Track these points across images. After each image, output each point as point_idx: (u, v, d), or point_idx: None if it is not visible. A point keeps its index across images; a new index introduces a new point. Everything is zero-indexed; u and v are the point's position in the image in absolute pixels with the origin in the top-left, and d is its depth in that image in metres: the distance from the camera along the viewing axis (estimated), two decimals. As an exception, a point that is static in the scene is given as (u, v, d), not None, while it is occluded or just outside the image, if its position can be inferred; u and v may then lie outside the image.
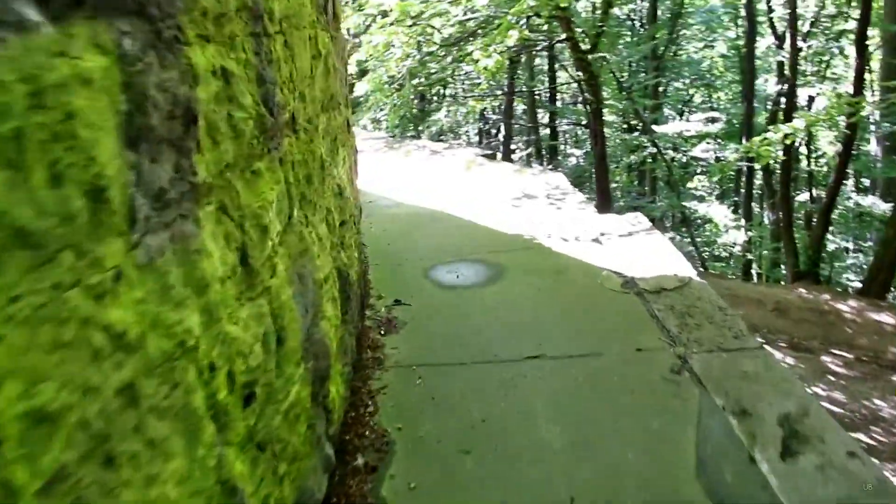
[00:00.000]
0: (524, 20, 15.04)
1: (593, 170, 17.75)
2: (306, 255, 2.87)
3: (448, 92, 21.00)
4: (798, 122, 9.87)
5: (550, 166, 19.76)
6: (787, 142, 10.77)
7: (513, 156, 20.30)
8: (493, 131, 22.95)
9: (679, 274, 5.39)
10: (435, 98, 21.96)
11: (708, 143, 19.61)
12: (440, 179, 9.17)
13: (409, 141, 12.99)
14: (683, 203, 19.29)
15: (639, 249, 6.08)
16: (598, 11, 15.76)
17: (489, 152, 11.36)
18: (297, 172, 2.85)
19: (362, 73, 15.35)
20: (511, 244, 6.34)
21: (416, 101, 19.69)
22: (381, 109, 16.52)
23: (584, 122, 18.45)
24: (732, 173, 20.88)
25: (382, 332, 4.66)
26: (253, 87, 2.21)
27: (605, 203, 13.20)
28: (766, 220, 20.14)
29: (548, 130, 22.10)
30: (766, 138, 10.67)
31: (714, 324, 4.51)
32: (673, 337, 4.36)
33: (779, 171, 16.21)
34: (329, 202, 3.53)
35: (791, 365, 8.25)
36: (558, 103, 21.37)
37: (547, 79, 21.00)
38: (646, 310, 4.80)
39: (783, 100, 16.50)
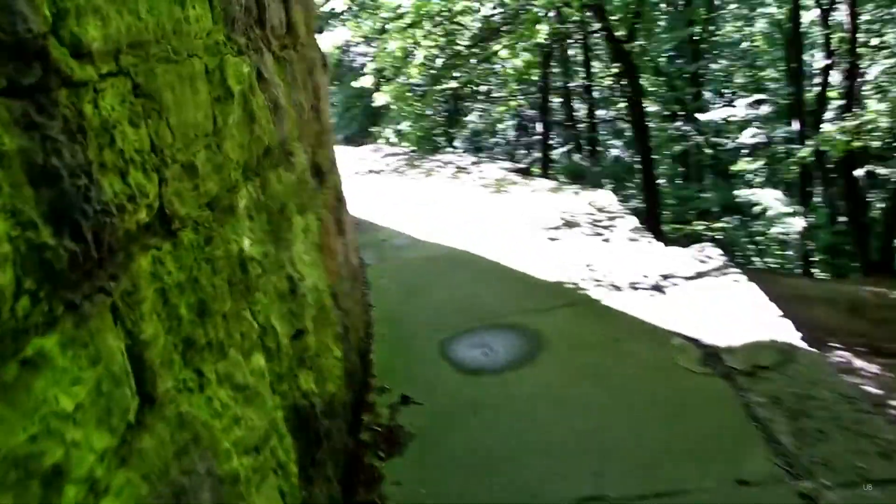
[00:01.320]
0: (554, 12, 13.79)
1: (636, 164, 16.40)
2: (194, 448, 1.65)
3: (481, 89, 19.77)
4: (881, 106, 8.44)
5: (591, 162, 18.40)
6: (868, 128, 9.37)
7: (551, 153, 18.98)
8: (531, 127, 21.66)
9: (777, 339, 4.06)
10: (466, 100, 20.71)
11: (756, 127, 18.02)
12: (465, 205, 7.90)
13: (433, 156, 11.74)
14: (735, 192, 17.73)
15: (714, 299, 4.76)
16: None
17: (522, 167, 10.04)
18: (170, 308, 1.63)
19: (380, 81, 14.21)
20: (550, 298, 5.06)
21: (441, 108, 18.50)
22: (404, 120, 15.41)
23: (624, 116, 17.10)
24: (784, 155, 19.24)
25: (382, 455, 3.42)
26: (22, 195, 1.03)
27: (654, 216, 11.84)
28: (822, 204, 18.44)
29: (586, 124, 20.68)
30: (843, 127, 9.26)
31: (846, 430, 3.17)
32: (789, 456, 3.04)
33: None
34: (268, 313, 2.31)
35: (876, 374, 6.82)
36: (595, 94, 19.94)
37: (583, 71, 19.61)
38: (740, 404, 3.48)
39: (835, 75, 14.99)
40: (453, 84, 15.15)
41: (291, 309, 2.54)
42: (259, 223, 2.34)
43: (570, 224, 6.83)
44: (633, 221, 6.86)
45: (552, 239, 6.44)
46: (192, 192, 1.85)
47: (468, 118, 20.74)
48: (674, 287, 5.05)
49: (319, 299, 2.96)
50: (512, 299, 5.07)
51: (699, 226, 15.25)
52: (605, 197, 7.85)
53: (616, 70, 14.99)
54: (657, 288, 5.05)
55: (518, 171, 9.62)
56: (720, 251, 5.76)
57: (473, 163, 10.49)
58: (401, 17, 13.37)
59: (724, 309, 4.56)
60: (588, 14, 13.87)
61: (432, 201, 8.20)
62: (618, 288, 5.11)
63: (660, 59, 18.94)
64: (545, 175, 15.67)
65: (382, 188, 9.28)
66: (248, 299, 2.15)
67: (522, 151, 21.30)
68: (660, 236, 10.84)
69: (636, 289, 5.08)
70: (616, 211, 7.36)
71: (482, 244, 6.38)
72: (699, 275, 5.24)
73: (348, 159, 11.97)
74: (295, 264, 2.67)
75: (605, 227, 6.66)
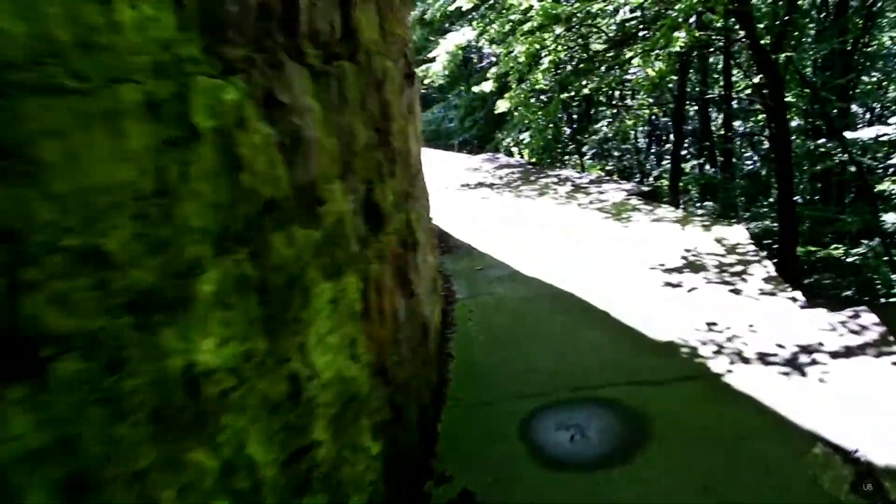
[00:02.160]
0: (693, 18, 12.67)
1: (772, 179, 14.91)
2: None
3: (611, 94, 18.70)
4: None
5: (723, 175, 17.00)
6: None
7: (683, 164, 17.70)
8: (663, 137, 20.44)
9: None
10: (595, 108, 19.70)
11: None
12: (577, 233, 7.08)
13: (551, 170, 10.91)
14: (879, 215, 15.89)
15: (871, 389, 3.78)
16: (782, 1, 13.08)
17: (646, 188, 9.05)
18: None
19: (504, 86, 13.51)
20: (663, 366, 4.21)
21: (567, 116, 17.58)
22: (526, 129, 14.60)
23: (762, 130, 15.69)
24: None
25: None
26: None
27: (790, 240, 10.51)
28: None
29: (721, 136, 19.22)
30: None
31: None
32: None
33: None
34: (242, 440, 1.65)
35: None
36: (733, 104, 18.45)
37: (722, 80, 18.19)
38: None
39: None
40: (583, 91, 14.31)
41: (289, 421, 1.87)
42: (242, 312, 1.67)
43: (694, 267, 5.89)
44: (768, 268, 5.85)
45: (672, 284, 5.54)
46: (92, 292, 1.19)
47: (596, 126, 19.74)
48: (816, 366, 4.09)
49: (347, 391, 2.28)
50: (616, 363, 4.25)
51: (836, 250, 13.73)
52: (737, 233, 6.83)
53: (758, 81, 13.69)
54: (795, 365, 4.11)
55: (641, 193, 8.66)
56: (877, 319, 4.70)
57: (592, 181, 9.62)
58: (529, 19, 12.64)
59: (887, 406, 3.57)
60: (732, 21, 12.70)
61: (541, 225, 7.42)
62: (745, 360, 4.20)
63: (806, 71, 17.29)
64: (674, 191, 14.52)
65: (489, 205, 8.58)
66: (201, 433, 1.48)
67: (652, 161, 20.12)
68: (797, 271, 9.60)
69: (768, 363, 4.15)
70: (749, 251, 6.35)
71: (590, 284, 5.57)
72: (850, 351, 4.24)
73: (459, 169, 11.33)
74: (306, 355, 1.99)
75: (736, 274, 5.69)
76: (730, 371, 4.09)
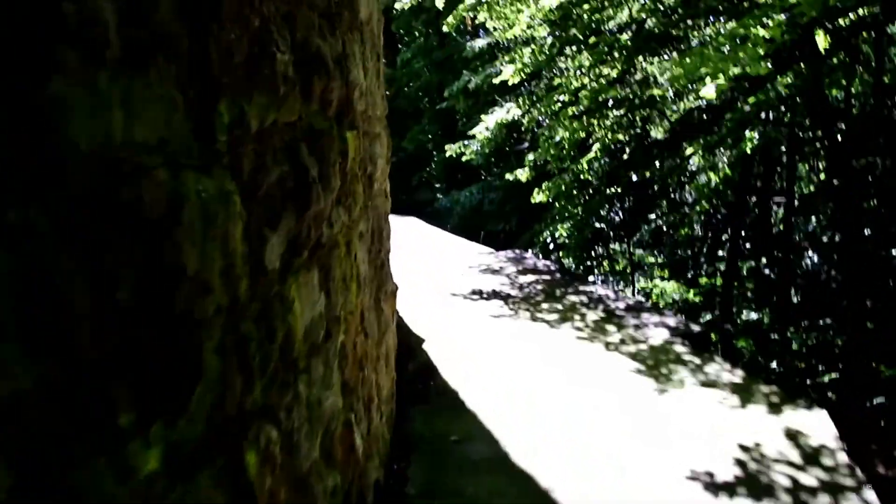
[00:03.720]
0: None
1: (833, 284, 12.95)
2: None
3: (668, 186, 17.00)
4: None
5: (783, 275, 14.99)
6: None
7: (741, 264, 15.74)
8: (720, 229, 18.59)
9: None
10: (645, 201, 17.96)
11: None
12: (599, 395, 5.31)
13: (583, 284, 9.17)
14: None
15: None
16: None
17: (696, 328, 7.18)
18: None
19: (540, 176, 11.95)
20: None
21: (612, 210, 15.88)
22: (564, 224, 12.90)
23: (830, 232, 13.77)
24: None
25: None
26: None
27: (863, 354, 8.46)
28: None
29: (782, 232, 17.20)
30: None
31: None
32: None
33: None
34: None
35: None
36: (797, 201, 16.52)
37: (786, 174, 16.33)
38: None
39: None
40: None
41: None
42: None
43: (754, 487, 4.08)
44: (868, 494, 4.02)
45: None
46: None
47: (650, 216, 18.00)
48: None
49: None
50: None
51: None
52: (817, 422, 5.00)
53: (829, 179, 11.98)
54: None
55: (688, 335, 6.85)
56: None
57: (630, 307, 7.85)
58: (576, 101, 11.11)
59: None
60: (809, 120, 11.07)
61: (553, 375, 5.68)
62: None
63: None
64: (727, 309, 12.54)
65: (497, 329, 6.89)
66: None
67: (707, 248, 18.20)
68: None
69: None
70: (833, 449, 4.54)
71: (602, 499, 3.81)
72: None
73: (478, 267, 9.70)
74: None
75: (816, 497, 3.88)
76: None
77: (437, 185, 22.65)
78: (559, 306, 7.82)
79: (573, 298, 8.15)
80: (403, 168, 22.61)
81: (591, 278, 13.03)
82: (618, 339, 6.61)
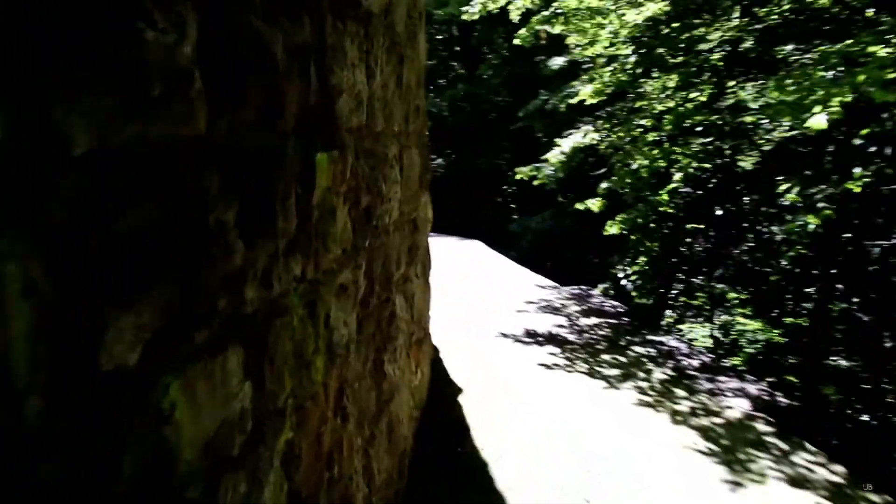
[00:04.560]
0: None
1: None
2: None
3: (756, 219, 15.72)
4: None
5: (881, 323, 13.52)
6: None
7: (830, 304, 14.37)
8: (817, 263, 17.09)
9: None
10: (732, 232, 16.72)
11: None
12: (655, 487, 4.33)
13: (651, 333, 8.13)
14: None
15: None
16: None
17: (781, 399, 6.06)
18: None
19: (614, 206, 10.96)
20: None
21: (697, 244, 14.65)
22: (638, 260, 11.82)
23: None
24: None
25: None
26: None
27: None
28: None
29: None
30: None
31: None
32: None
33: None
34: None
35: None
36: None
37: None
38: None
39: None
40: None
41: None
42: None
43: None
44: None
45: None
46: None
47: (734, 251, 16.69)
48: None
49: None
50: None
51: None
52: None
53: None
54: None
55: (773, 409, 5.78)
56: None
57: (705, 366, 6.80)
58: (658, 127, 10.13)
59: None
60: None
61: (608, 456, 4.71)
62: None
63: None
64: (816, 358, 11.21)
65: (544, 381, 5.98)
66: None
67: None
68: None
69: None
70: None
71: None
72: None
73: (537, 303, 8.79)
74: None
75: None
76: None
77: (514, 207, 21.72)
78: (622, 358, 6.83)
79: (639, 350, 7.15)
80: (477, 188, 21.84)
81: (666, 312, 11.95)
82: (688, 408, 5.59)
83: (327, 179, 2.34)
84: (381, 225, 3.28)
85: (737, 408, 5.63)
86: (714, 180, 11.01)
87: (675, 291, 13.19)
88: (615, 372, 6.40)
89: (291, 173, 2.03)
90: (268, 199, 1.81)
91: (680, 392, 5.95)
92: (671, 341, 7.59)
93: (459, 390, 5.80)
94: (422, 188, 5.04)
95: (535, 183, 12.79)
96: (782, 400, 5.89)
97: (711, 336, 11.78)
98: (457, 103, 22.64)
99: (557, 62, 15.69)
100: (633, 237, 11.34)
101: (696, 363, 6.84)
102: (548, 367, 6.50)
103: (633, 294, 11.35)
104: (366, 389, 3.08)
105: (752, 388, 6.11)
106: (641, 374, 6.37)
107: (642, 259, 11.39)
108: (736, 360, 12.14)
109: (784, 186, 10.43)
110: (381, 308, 3.38)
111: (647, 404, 5.65)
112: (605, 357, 6.87)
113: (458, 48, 24.20)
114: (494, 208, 21.22)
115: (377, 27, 3.01)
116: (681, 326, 12.37)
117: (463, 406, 5.46)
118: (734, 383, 6.24)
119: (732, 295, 14.34)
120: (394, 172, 3.58)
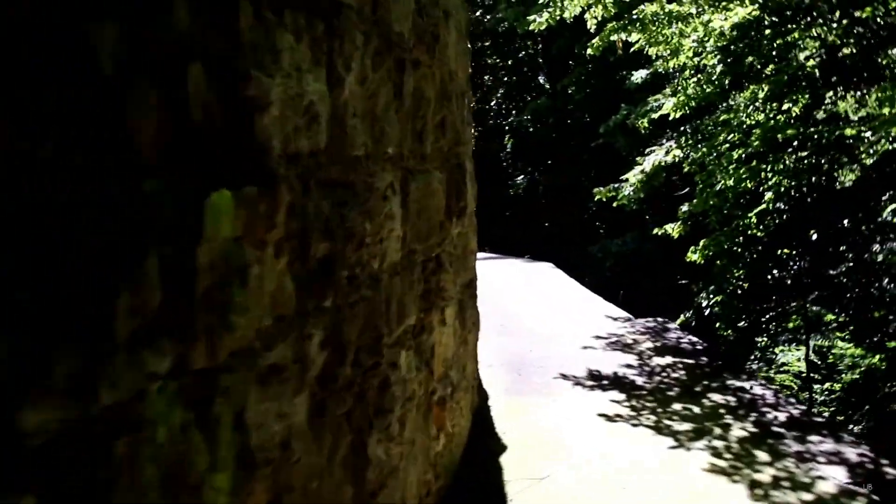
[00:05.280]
0: None
1: None
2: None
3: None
4: None
5: None
6: None
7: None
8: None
9: None
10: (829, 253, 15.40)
11: None
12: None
13: (732, 377, 7.19)
14: None
15: None
16: None
17: (889, 471, 5.10)
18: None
19: (696, 231, 10.07)
20: None
21: (789, 268, 13.44)
22: (722, 288, 10.77)
23: None
24: None
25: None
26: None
27: None
28: None
29: None
30: None
31: None
32: None
33: None
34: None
35: None
36: None
37: None
38: None
39: None
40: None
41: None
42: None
43: None
44: None
45: None
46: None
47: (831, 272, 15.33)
48: None
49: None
50: None
51: None
52: None
53: None
54: None
55: (879, 478, 4.83)
56: None
57: (793, 420, 5.87)
58: (745, 143, 9.20)
59: None
60: None
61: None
62: None
63: None
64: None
65: (601, 438, 5.24)
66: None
67: None
68: None
69: None
70: None
71: None
72: None
73: (606, 338, 8.02)
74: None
75: None
76: None
77: (598, 227, 20.65)
78: (696, 409, 5.98)
79: (717, 398, 6.27)
80: (556, 207, 21.04)
81: (755, 339, 10.91)
82: (769, 478, 4.72)
83: (232, 227, 1.74)
84: (362, 275, 2.66)
85: (831, 479, 4.71)
86: (808, 199, 9.97)
87: (766, 317, 12.10)
88: (686, 427, 5.57)
89: (153, 225, 1.47)
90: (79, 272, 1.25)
91: (762, 455, 5.07)
92: (755, 388, 6.66)
93: (504, 447, 5.13)
94: (452, 218, 4.39)
95: (615, 204, 11.96)
96: (890, 471, 4.93)
97: (806, 359, 10.69)
98: (540, 118, 21.91)
99: (640, 75, 14.78)
100: (718, 262, 10.38)
101: (782, 416, 5.91)
102: (609, 418, 5.74)
103: (718, 326, 10.35)
104: (333, 486, 2.45)
105: (851, 453, 5.17)
106: (717, 431, 5.51)
107: (728, 287, 10.38)
108: (836, 386, 10.97)
109: (892, 208, 9.42)
110: (365, 378, 2.76)
111: (722, 471, 4.80)
112: (677, 406, 6.04)
113: (540, 60, 23.50)
114: (574, 229, 20.31)
115: (352, 23, 2.41)
116: (772, 351, 11.31)
117: (504, 469, 4.78)
118: (828, 444, 5.31)
119: (830, 317, 13.15)
120: (388, 206, 2.96)
